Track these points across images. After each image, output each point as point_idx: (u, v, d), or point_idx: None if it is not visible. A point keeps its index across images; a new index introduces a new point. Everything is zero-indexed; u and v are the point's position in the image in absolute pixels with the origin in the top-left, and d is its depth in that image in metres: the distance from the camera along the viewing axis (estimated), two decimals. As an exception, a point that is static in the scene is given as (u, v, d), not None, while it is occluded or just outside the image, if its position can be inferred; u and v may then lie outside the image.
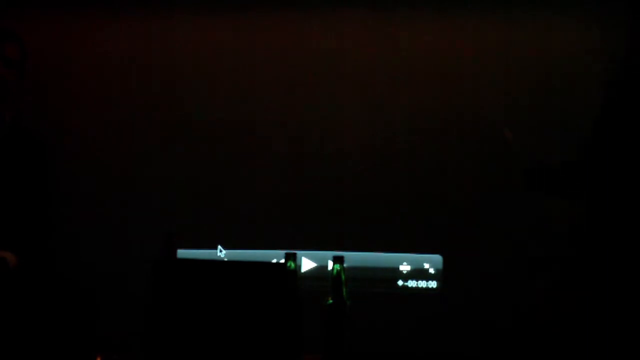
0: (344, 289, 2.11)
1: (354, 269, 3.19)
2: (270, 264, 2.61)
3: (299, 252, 2.44)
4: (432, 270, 3.26)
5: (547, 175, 2.28)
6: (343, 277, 2.12)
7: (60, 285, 2.49)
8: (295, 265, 2.15)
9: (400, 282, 3.26)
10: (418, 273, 3.26)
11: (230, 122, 3.36)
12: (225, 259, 3.26)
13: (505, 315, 3.11)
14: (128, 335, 2.30)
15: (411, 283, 3.26)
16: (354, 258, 3.21)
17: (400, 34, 3.35)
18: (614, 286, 2.04)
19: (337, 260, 2.13)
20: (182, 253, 2.24)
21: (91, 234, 3.29)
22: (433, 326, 3.18)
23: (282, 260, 2.14)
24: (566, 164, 2.30)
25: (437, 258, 3.26)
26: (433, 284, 3.26)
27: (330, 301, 2.10)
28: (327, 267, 3.21)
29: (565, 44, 3.27)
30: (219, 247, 3.29)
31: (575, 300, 2.10)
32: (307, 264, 3.25)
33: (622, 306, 2.00)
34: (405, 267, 3.26)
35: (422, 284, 3.26)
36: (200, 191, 3.33)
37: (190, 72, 3.39)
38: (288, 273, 2.05)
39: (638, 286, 2.01)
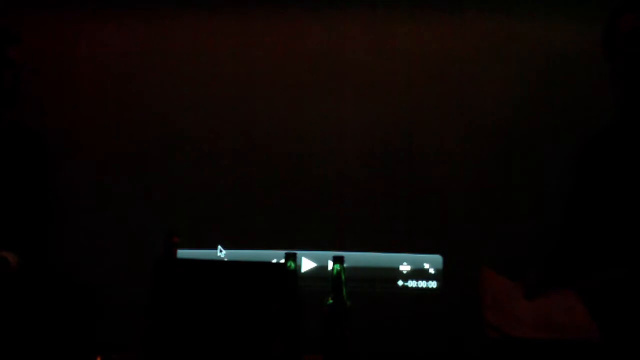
0: (344, 289, 2.11)
1: (354, 269, 3.20)
2: (270, 264, 2.61)
3: (299, 252, 2.44)
4: (432, 270, 3.26)
5: None
6: (343, 277, 2.12)
7: (61, 285, 2.49)
8: (295, 265, 2.15)
9: (400, 282, 3.27)
10: (418, 273, 3.26)
11: (230, 122, 3.36)
12: (225, 259, 3.26)
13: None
14: (128, 335, 2.30)
15: (411, 283, 3.26)
16: (354, 258, 3.21)
17: (400, 34, 3.35)
18: (615, 286, 2.04)
19: (337, 260, 2.13)
20: (182, 253, 2.24)
21: (91, 234, 3.29)
22: (433, 326, 3.18)
23: (282, 260, 2.14)
24: None
25: (437, 258, 3.26)
26: (433, 284, 3.26)
27: (330, 301, 2.10)
28: (327, 267, 3.21)
29: (566, 42, 3.27)
30: (219, 247, 3.29)
31: (576, 299, 2.10)
32: (307, 264, 3.25)
33: (623, 307, 2.00)
34: (405, 267, 3.26)
35: (422, 284, 3.26)
36: (200, 191, 3.33)
37: (190, 71, 3.39)
38: (288, 273, 2.06)
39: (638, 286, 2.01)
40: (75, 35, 3.43)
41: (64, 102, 3.40)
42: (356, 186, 3.31)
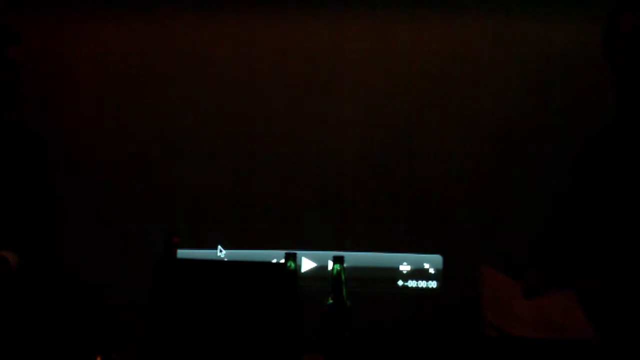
0: (344, 289, 2.11)
1: (354, 269, 3.20)
2: (270, 264, 2.61)
3: (299, 252, 2.44)
4: (432, 270, 3.26)
5: None
6: (343, 277, 2.12)
7: (61, 285, 2.49)
8: (295, 265, 2.15)
9: (400, 282, 3.26)
10: (418, 273, 3.26)
11: (230, 122, 3.36)
12: (225, 259, 3.26)
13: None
14: (128, 335, 2.30)
15: (411, 283, 3.26)
16: (354, 258, 3.21)
17: (400, 34, 3.35)
18: (615, 286, 2.04)
19: (337, 260, 2.13)
20: (182, 253, 2.24)
21: (91, 234, 3.29)
22: (433, 326, 3.18)
23: (282, 260, 2.14)
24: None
25: (437, 258, 3.26)
26: (433, 284, 3.26)
27: (330, 301, 2.10)
28: (327, 267, 3.21)
29: (566, 42, 3.27)
30: (219, 247, 3.29)
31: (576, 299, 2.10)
32: (307, 264, 3.25)
33: (622, 307, 2.00)
34: (405, 267, 3.26)
35: (422, 284, 3.26)
36: (200, 191, 3.33)
37: (190, 72, 3.39)
38: (288, 273, 2.06)
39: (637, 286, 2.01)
40: (75, 35, 3.43)
41: (64, 102, 3.40)
42: (356, 186, 3.31)
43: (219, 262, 2.95)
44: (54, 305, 2.38)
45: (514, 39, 3.30)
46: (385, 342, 3.17)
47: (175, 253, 2.19)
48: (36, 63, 3.20)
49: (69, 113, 3.39)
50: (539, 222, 3.12)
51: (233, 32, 3.40)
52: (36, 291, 2.41)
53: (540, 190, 3.19)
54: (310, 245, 3.25)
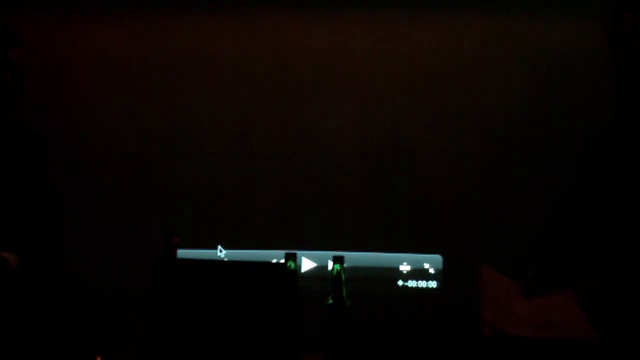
0: (344, 289, 2.11)
1: (354, 269, 3.20)
2: (270, 264, 2.61)
3: (299, 252, 2.44)
4: (432, 270, 3.26)
5: None
6: (343, 277, 2.12)
7: (61, 285, 2.49)
8: (295, 265, 2.15)
9: (400, 282, 3.26)
10: (418, 273, 3.26)
11: (231, 122, 3.36)
12: (225, 259, 3.26)
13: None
14: (128, 335, 2.30)
15: (411, 283, 3.26)
16: (354, 258, 3.21)
17: (401, 34, 3.35)
18: (613, 284, 2.04)
19: (337, 260, 2.13)
20: (182, 253, 2.24)
21: (91, 234, 3.29)
22: (433, 326, 3.18)
23: (282, 260, 2.14)
24: None
25: (437, 258, 3.26)
26: (433, 284, 3.26)
27: (330, 301, 2.10)
28: (327, 267, 3.21)
29: (566, 42, 3.27)
30: (219, 247, 3.29)
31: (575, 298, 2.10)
32: (307, 264, 3.25)
33: (622, 307, 2.00)
34: (405, 267, 3.26)
35: (422, 284, 3.26)
36: (200, 191, 3.33)
37: (190, 71, 3.39)
38: (288, 273, 2.06)
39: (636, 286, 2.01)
40: (75, 35, 3.43)
41: (64, 102, 3.40)
42: (356, 186, 3.31)
43: (219, 262, 2.94)
44: (54, 305, 2.38)
45: (514, 39, 3.30)
46: (385, 342, 3.17)
47: (175, 253, 2.19)
48: (36, 63, 3.20)
49: (69, 113, 3.39)
50: (539, 222, 3.12)
51: (233, 32, 3.40)
52: (36, 291, 2.41)
53: (540, 190, 3.19)
54: (310, 245, 3.25)
